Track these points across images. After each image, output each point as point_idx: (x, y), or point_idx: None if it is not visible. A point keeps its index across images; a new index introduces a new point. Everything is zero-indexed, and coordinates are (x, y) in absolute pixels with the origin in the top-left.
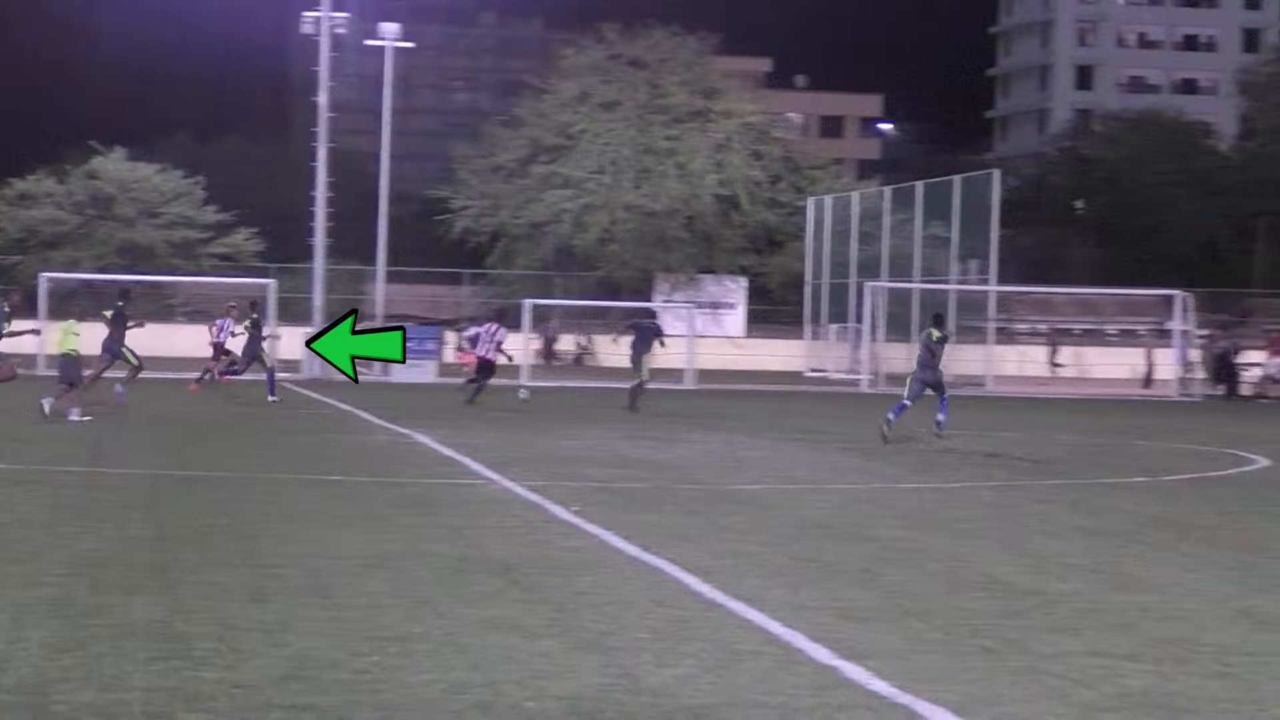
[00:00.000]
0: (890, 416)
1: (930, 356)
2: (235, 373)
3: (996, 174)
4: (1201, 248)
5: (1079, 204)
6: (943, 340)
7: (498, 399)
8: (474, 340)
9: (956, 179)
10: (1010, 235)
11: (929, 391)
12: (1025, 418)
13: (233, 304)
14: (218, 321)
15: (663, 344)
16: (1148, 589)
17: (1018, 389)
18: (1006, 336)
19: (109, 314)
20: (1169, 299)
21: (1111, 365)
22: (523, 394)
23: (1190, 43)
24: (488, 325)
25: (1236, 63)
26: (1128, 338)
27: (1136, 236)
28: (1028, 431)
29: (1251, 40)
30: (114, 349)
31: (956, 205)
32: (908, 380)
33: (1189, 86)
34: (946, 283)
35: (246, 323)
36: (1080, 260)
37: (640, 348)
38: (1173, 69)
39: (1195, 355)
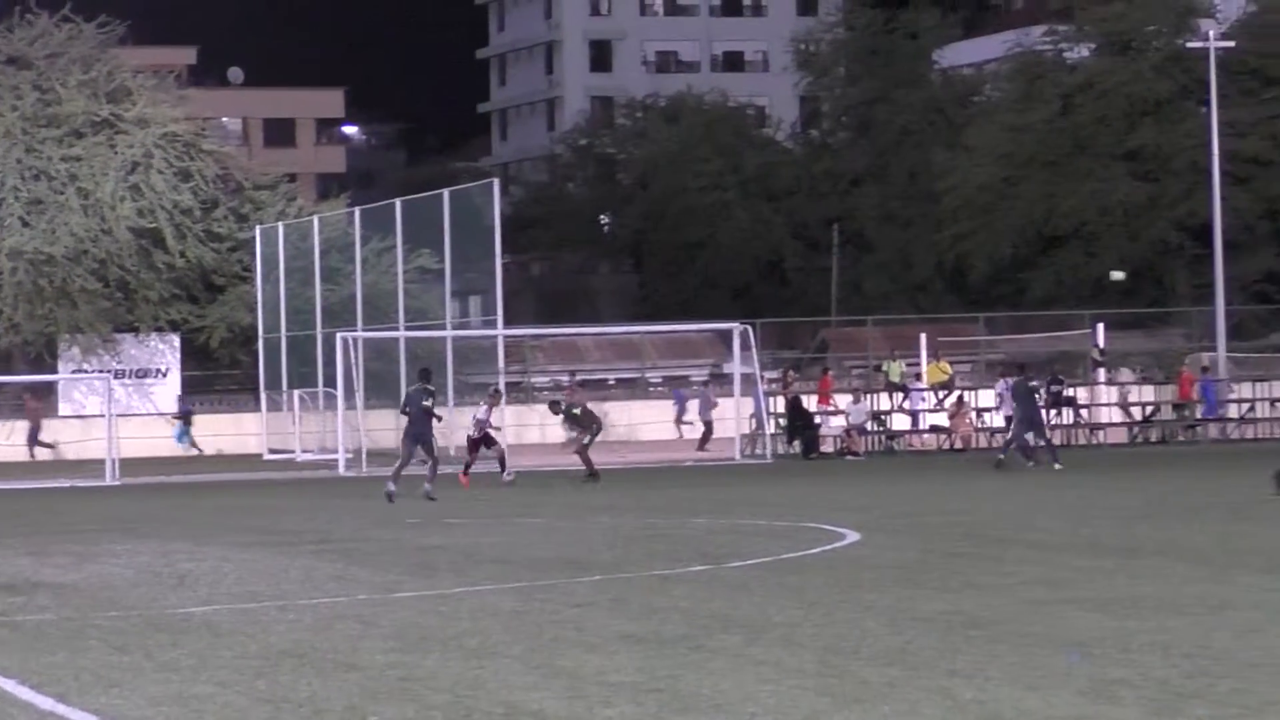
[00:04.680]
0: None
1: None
2: None
3: (496, 184)
4: (763, 267)
5: (604, 218)
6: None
7: None
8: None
9: (445, 193)
10: (520, 262)
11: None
12: (550, 497)
13: None
14: None
15: None
16: (714, 708)
17: (540, 460)
18: (523, 394)
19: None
20: (726, 334)
21: (658, 422)
22: (507, 477)
23: (732, 6)
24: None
25: (791, 29)
26: (678, 387)
27: (680, 256)
28: (555, 514)
29: (809, 0)
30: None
31: (447, 227)
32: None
33: (733, 62)
34: (442, 328)
35: None
36: (612, 290)
37: None
38: (712, 40)
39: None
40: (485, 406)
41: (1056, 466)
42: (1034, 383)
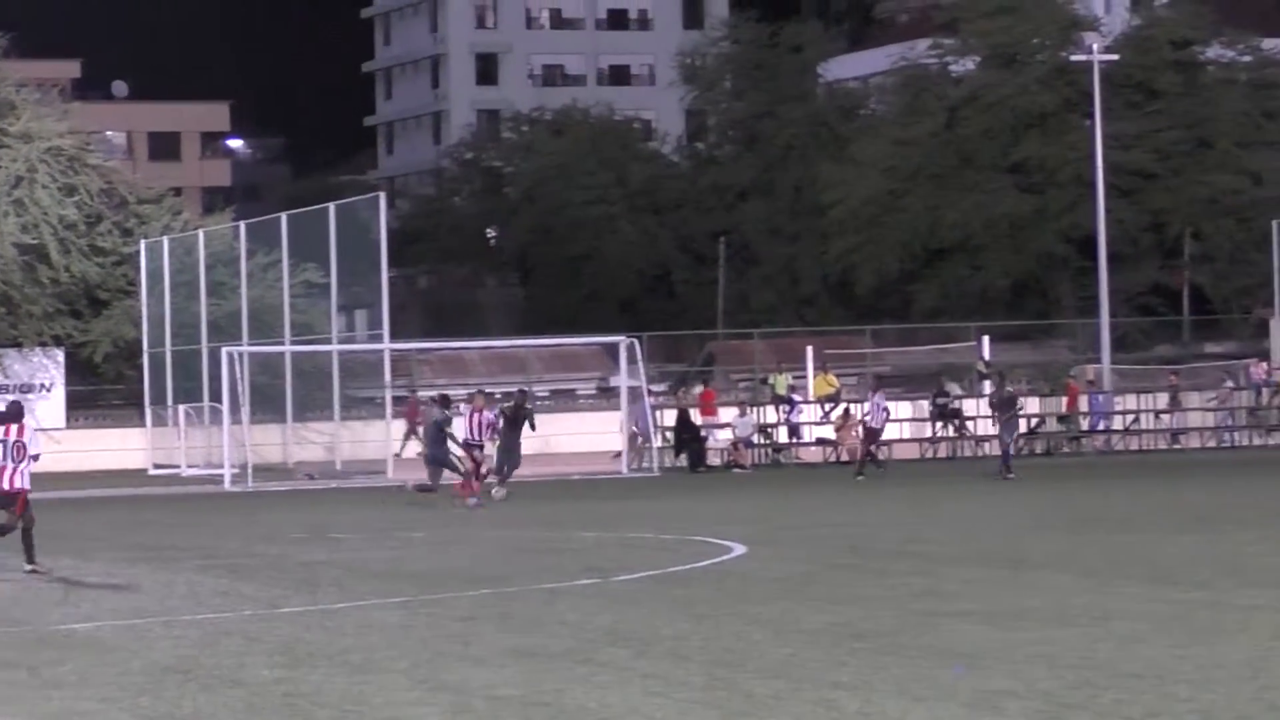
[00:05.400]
0: None
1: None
2: None
3: (382, 198)
4: (649, 281)
5: (490, 232)
6: None
7: None
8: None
9: (331, 207)
10: (406, 276)
11: None
12: (435, 512)
13: None
14: None
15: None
16: None
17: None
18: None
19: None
20: (613, 347)
21: (544, 435)
22: (498, 493)
23: (618, 20)
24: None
25: (677, 42)
26: (564, 400)
27: (566, 270)
28: (440, 529)
29: (694, 13)
30: None
31: (333, 241)
32: None
33: (619, 75)
34: (328, 342)
35: None
36: (499, 303)
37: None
38: (598, 53)
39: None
40: (476, 410)
41: (1010, 476)
42: (1009, 390)
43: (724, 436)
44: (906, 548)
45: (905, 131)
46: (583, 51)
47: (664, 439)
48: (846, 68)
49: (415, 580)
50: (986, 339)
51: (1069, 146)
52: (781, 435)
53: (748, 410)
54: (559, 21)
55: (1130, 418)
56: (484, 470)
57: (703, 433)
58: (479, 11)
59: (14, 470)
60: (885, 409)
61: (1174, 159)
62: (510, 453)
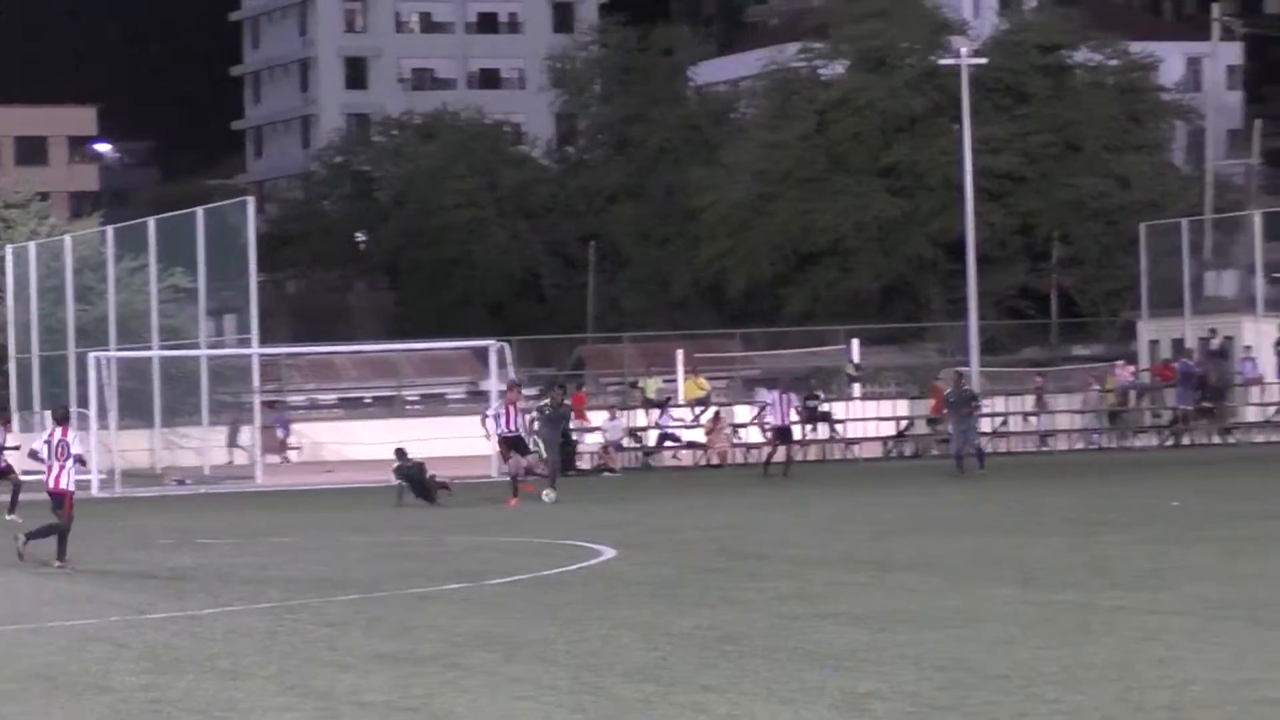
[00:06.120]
0: None
1: None
2: None
3: (250, 202)
4: (520, 285)
5: (360, 236)
6: None
7: None
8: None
9: (199, 211)
10: (275, 280)
11: None
12: (306, 517)
13: None
14: None
15: None
16: None
17: (298, 479)
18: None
19: None
20: (483, 351)
21: (420, 440)
22: (549, 496)
23: (488, 23)
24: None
25: (547, 46)
26: (434, 404)
27: (437, 274)
28: (310, 534)
29: (564, 18)
30: None
31: (201, 245)
32: None
33: (489, 79)
34: (196, 347)
35: None
36: (369, 307)
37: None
38: (468, 57)
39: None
40: (511, 403)
41: (981, 470)
42: (967, 387)
43: (594, 440)
44: (776, 550)
45: (775, 135)
46: (452, 55)
47: (534, 443)
48: (717, 71)
49: (283, 585)
50: (856, 342)
51: (939, 150)
52: (651, 439)
53: (618, 414)
54: (429, 25)
55: (998, 420)
56: (526, 465)
57: (573, 436)
58: (348, 15)
59: (59, 471)
60: (796, 408)
61: (1043, 162)
62: (549, 449)
